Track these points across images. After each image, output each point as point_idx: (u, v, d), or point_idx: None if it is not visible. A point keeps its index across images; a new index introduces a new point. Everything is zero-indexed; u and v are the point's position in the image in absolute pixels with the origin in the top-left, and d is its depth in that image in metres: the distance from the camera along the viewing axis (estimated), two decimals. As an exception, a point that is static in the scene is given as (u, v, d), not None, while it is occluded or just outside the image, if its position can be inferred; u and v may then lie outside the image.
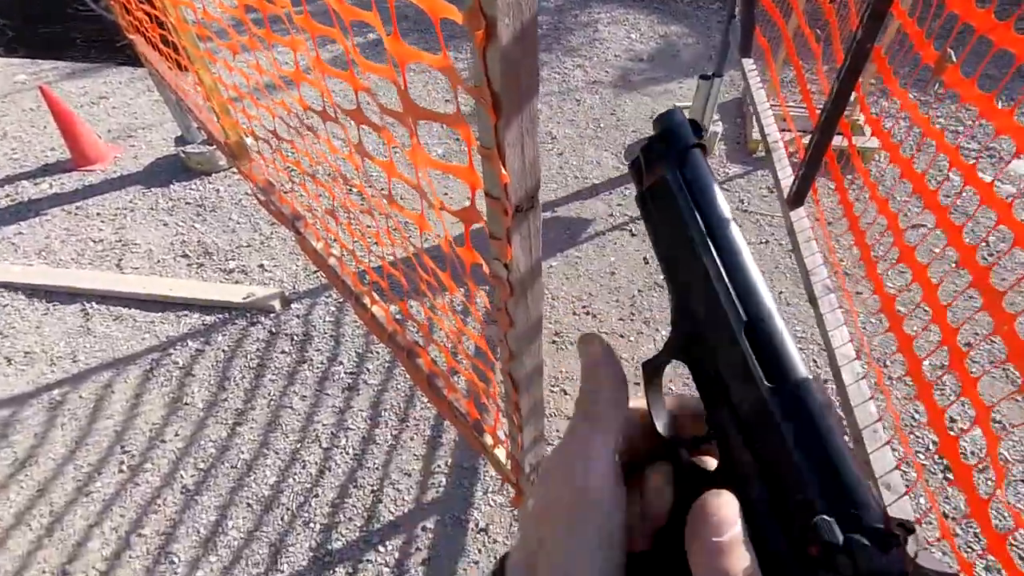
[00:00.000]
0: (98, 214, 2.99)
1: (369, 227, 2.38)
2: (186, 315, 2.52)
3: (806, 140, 2.77)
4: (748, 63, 2.72)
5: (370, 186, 2.43)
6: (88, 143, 3.17)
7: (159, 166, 3.22)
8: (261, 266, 2.71)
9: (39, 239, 2.87)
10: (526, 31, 0.46)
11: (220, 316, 2.50)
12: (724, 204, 0.27)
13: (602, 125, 3.50)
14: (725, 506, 0.23)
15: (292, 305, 2.52)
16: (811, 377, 0.23)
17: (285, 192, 1.61)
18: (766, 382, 0.24)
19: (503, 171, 0.52)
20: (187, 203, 3.02)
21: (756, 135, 3.19)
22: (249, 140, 1.68)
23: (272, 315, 2.48)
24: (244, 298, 2.49)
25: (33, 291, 2.64)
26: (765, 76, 2.81)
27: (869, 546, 0.20)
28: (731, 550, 0.21)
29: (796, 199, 1.67)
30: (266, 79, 1.18)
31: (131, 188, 3.11)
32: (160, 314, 2.53)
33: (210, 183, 3.11)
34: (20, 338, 2.48)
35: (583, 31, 4.42)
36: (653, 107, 3.63)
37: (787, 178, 1.82)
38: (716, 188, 0.27)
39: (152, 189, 3.10)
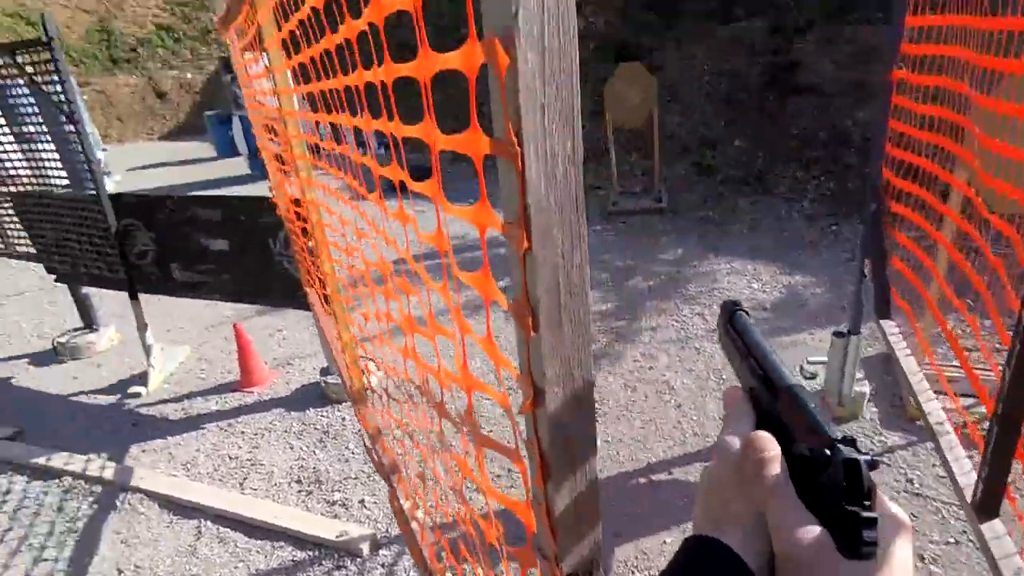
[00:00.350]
0: (242, 432, 3.31)
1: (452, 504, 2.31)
2: (281, 547, 2.49)
3: (968, 405, 2.32)
4: (889, 325, 2.50)
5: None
6: (255, 368, 3.71)
7: (303, 392, 3.61)
8: (362, 501, 2.69)
9: (190, 451, 3.20)
10: (581, 397, 0.43)
11: (310, 553, 2.43)
12: (758, 335, 0.47)
13: (724, 377, 3.32)
14: (763, 438, 0.38)
15: (380, 551, 2.39)
16: (791, 385, 0.42)
17: (389, 443, 1.64)
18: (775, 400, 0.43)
19: (552, 540, 0.44)
20: (315, 428, 3.25)
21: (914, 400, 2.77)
22: (369, 391, 1.82)
23: (359, 559, 2.35)
24: (337, 536, 2.43)
25: (168, 502, 2.83)
26: (908, 330, 2.53)
27: (830, 454, 0.34)
28: (769, 463, 0.37)
29: (985, 509, 1.29)
30: (387, 349, 1.31)
31: (275, 410, 3.47)
32: (259, 542, 2.53)
33: (338, 411, 3.37)
34: (138, 550, 2.59)
35: (702, 280, 4.53)
36: (782, 358, 3.40)
37: (964, 473, 1.46)
38: (752, 329, 0.48)
39: (291, 413, 3.42)
